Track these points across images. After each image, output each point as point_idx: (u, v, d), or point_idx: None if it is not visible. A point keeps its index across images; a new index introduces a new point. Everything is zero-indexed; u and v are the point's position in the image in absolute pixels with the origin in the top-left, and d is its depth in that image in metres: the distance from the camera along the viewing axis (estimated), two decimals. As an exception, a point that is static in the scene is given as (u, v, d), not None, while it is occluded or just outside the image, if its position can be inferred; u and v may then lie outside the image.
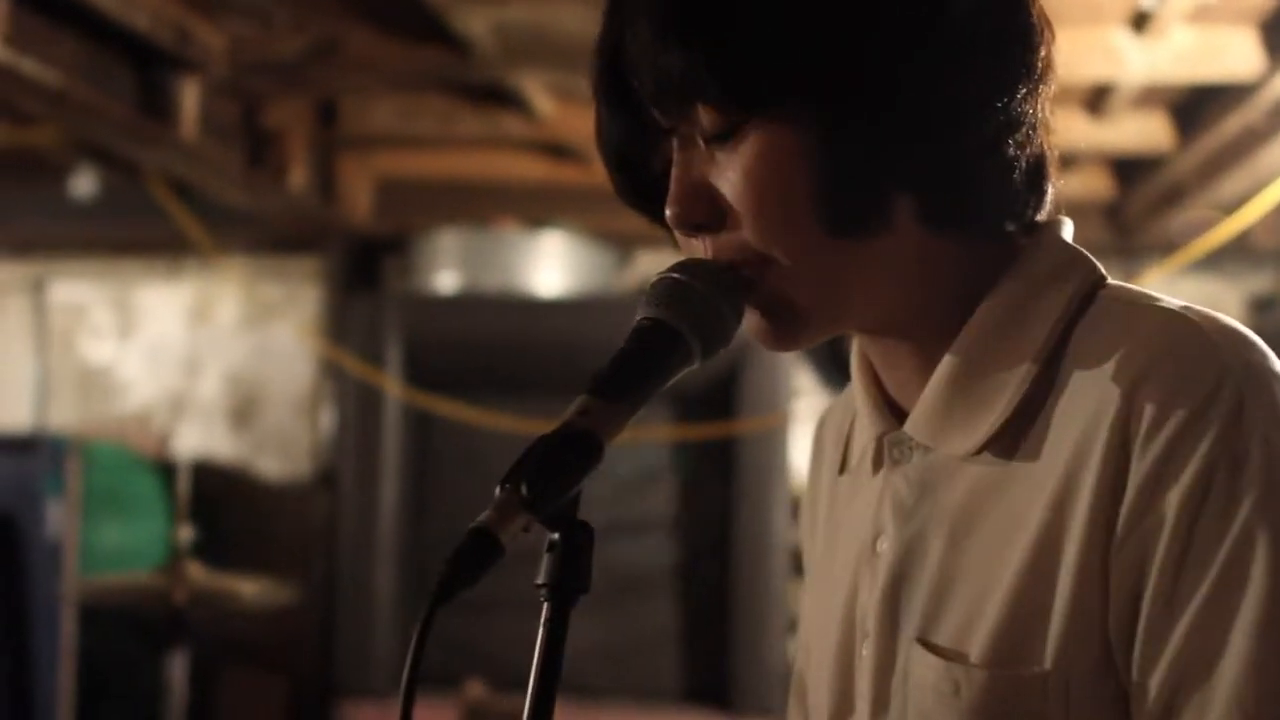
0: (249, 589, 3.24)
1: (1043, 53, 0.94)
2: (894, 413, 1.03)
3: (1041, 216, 0.99)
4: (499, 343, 4.40)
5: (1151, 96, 3.87)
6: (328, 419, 5.04)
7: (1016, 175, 0.94)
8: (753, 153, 0.91)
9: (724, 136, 0.92)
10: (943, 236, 0.95)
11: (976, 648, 0.91)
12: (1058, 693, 0.88)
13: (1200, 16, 3.26)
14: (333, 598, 4.57)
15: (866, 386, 1.05)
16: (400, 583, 4.39)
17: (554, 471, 0.84)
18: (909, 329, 0.99)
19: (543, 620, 0.84)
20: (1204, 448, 0.85)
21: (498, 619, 3.31)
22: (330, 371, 5.00)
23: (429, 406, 4.36)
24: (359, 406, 4.51)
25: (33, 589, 4.30)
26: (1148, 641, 0.86)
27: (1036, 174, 0.96)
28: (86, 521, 4.44)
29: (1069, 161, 4.51)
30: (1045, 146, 0.96)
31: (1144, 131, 4.09)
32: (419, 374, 4.45)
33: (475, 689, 3.93)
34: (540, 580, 0.85)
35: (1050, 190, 0.98)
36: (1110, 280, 0.98)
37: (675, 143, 0.95)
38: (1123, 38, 3.36)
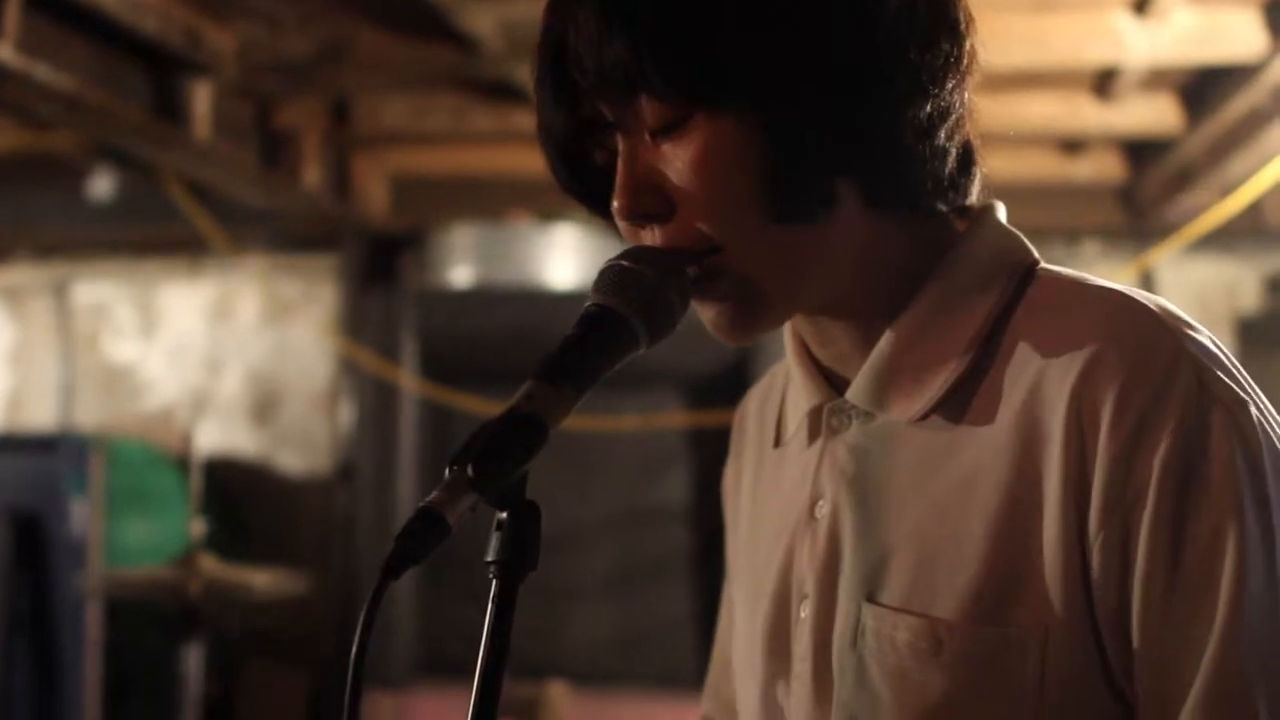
0: (261, 580, 3.28)
1: (968, 44, 0.98)
2: (832, 385, 1.06)
3: (973, 199, 1.03)
4: (514, 336, 4.43)
5: (1159, 79, 3.87)
6: (346, 414, 5.09)
7: (950, 159, 0.98)
8: (698, 144, 0.93)
9: (669, 129, 0.94)
10: (885, 218, 0.98)
11: (946, 606, 0.94)
12: (1036, 651, 0.91)
13: (1201, -2, 3.26)
14: (352, 590, 4.62)
15: (802, 361, 1.08)
16: (418, 575, 4.43)
17: (499, 453, 0.86)
18: (851, 307, 1.02)
19: (491, 597, 0.86)
20: (1173, 422, 0.89)
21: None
22: (348, 367, 5.05)
23: (445, 400, 4.40)
24: (376, 401, 4.56)
25: (58, 585, 4.37)
26: (1145, 611, 0.90)
27: (966, 159, 1.00)
28: (111, 518, 4.50)
29: (1079, 145, 4.53)
30: (971, 134, 1.00)
31: (1153, 114, 4.08)
32: (435, 368, 4.49)
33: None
34: (489, 558, 0.87)
35: (979, 174, 1.02)
36: (1043, 262, 1.02)
37: (619, 135, 0.97)
38: (1124, 21, 3.36)
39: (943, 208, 1.01)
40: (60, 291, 5.48)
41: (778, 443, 1.15)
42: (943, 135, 0.96)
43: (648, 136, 0.96)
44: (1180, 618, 0.88)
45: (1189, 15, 3.34)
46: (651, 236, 0.98)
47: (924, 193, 0.98)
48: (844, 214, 0.96)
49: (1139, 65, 3.53)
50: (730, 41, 0.91)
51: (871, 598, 0.98)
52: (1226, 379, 0.91)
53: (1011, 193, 1.11)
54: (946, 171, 0.98)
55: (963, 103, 0.98)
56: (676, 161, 0.95)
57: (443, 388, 4.41)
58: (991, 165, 1.04)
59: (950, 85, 0.96)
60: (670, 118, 0.94)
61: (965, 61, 0.97)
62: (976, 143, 1.01)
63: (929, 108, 0.95)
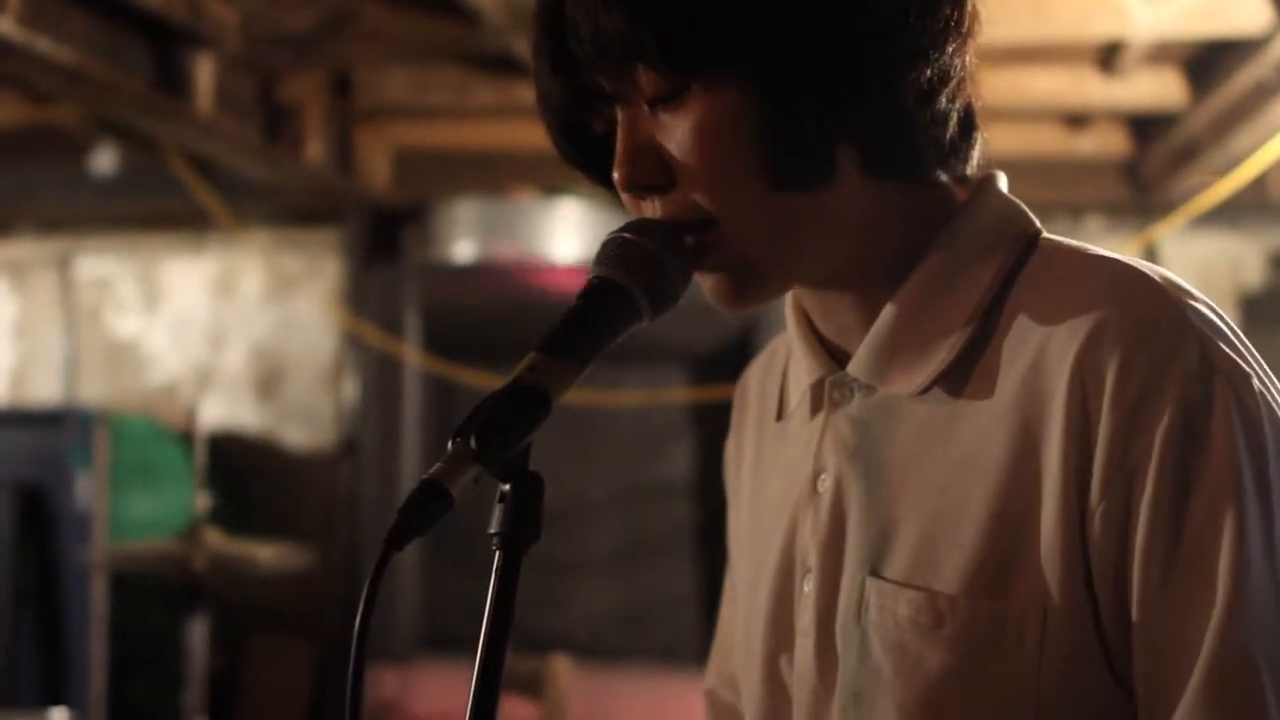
0: (266, 554, 3.29)
1: (969, 7, 0.96)
2: (833, 357, 1.05)
3: (973, 168, 1.01)
4: (516, 310, 4.44)
5: (1164, 53, 3.85)
6: (350, 389, 5.10)
7: (951, 124, 0.96)
8: (697, 114, 0.93)
9: (667, 99, 0.94)
10: (885, 187, 0.97)
11: (948, 580, 0.93)
12: (1035, 628, 0.91)
13: (1207, -29, 3.24)
14: (356, 564, 4.63)
15: (804, 333, 1.07)
16: (422, 549, 4.45)
17: (502, 425, 0.86)
18: (852, 279, 1.01)
19: (494, 569, 0.86)
20: (1175, 394, 0.88)
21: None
22: (352, 342, 5.05)
23: (448, 374, 4.41)
24: (380, 376, 4.57)
25: (63, 559, 4.39)
26: (1144, 585, 0.89)
27: (967, 124, 0.99)
28: (115, 493, 4.52)
29: (1083, 119, 4.51)
30: (973, 99, 0.99)
31: (1158, 88, 4.07)
32: (438, 342, 4.49)
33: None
34: (492, 529, 0.86)
35: (979, 141, 1.01)
36: (1045, 233, 1.00)
37: (618, 105, 0.96)
38: (1130, -6, 3.35)
39: (943, 176, 1.00)
40: (63, 266, 5.48)
41: (780, 416, 1.14)
42: (943, 100, 0.95)
43: (646, 107, 0.95)
44: (1179, 593, 0.87)
45: (1195, -12, 3.33)
46: (652, 208, 0.97)
47: (924, 159, 0.97)
48: (844, 183, 0.95)
49: (1144, 39, 3.51)
50: (727, 10, 0.90)
51: (875, 571, 0.97)
52: (1229, 350, 0.90)
53: (1015, 167, 1.10)
54: (947, 137, 0.96)
55: (964, 66, 0.96)
56: (675, 132, 0.94)
57: (446, 362, 4.42)
58: (995, 139, 1.02)
59: (951, 49, 0.94)
60: (668, 88, 0.93)
61: (966, 24, 0.96)
62: (977, 106, 0.99)
63: (929, 72, 0.93)
